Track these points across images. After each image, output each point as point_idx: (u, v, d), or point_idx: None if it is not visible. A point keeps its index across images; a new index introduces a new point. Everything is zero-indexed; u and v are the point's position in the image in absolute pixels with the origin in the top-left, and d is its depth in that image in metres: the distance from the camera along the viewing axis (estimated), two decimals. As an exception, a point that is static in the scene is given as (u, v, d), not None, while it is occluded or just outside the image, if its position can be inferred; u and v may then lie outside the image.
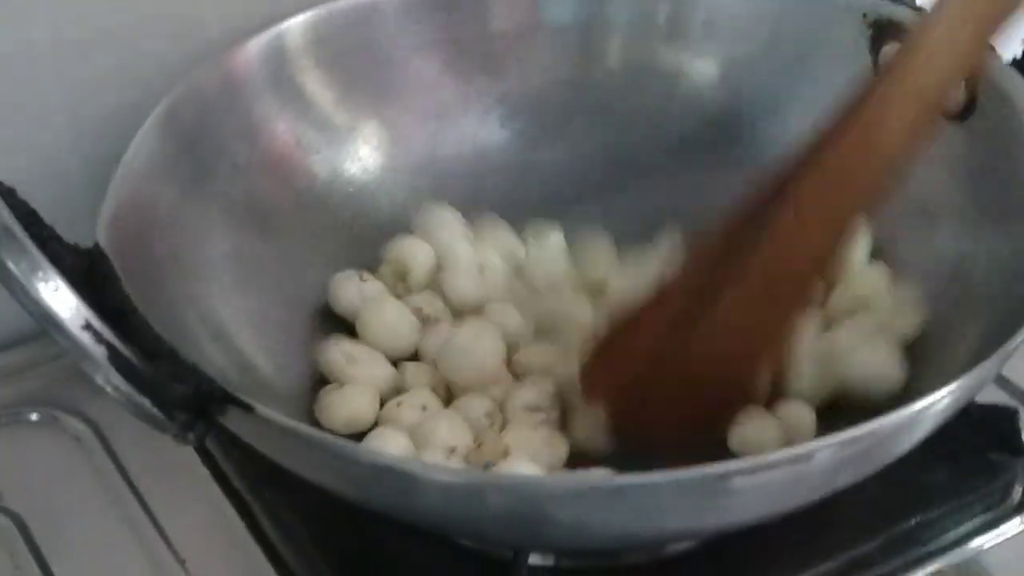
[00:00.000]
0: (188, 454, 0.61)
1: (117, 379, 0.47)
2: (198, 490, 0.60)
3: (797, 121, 0.66)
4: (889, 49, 0.64)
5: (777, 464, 0.47)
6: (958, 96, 0.61)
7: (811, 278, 0.58)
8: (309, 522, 0.58)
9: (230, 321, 0.58)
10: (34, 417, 0.63)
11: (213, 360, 0.55)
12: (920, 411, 0.49)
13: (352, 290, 0.62)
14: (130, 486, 0.60)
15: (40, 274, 0.46)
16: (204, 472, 0.61)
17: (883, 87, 0.55)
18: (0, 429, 0.63)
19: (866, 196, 0.56)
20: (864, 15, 0.64)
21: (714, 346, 0.57)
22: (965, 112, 0.62)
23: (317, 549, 0.57)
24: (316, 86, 0.65)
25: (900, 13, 0.63)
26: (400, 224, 0.66)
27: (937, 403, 0.49)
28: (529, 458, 0.55)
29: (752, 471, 0.47)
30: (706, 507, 0.49)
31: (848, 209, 0.56)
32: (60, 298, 0.47)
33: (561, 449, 0.57)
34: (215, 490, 0.60)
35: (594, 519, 0.48)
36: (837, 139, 0.56)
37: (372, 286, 0.63)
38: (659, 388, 0.58)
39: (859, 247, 0.63)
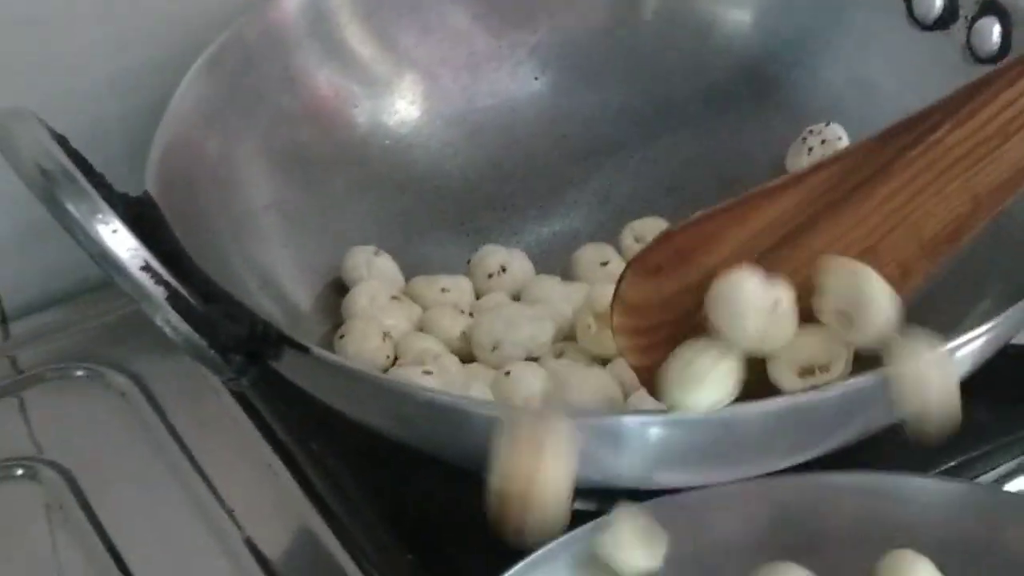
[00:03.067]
0: (232, 407, 0.62)
1: (176, 319, 0.48)
2: (243, 442, 0.60)
3: (831, 71, 0.67)
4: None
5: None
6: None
7: (926, 248, 0.50)
8: (354, 471, 0.58)
9: (275, 268, 0.59)
10: (80, 373, 0.63)
11: (261, 305, 0.55)
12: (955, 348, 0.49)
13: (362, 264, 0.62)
14: (176, 439, 0.60)
15: (100, 216, 0.47)
16: (248, 424, 0.61)
17: None
18: (46, 385, 0.63)
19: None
20: (897, -43, 0.65)
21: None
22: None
23: (363, 497, 0.58)
24: (354, 39, 0.65)
25: (934, -43, 0.64)
26: (436, 174, 0.66)
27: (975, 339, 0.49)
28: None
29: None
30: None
31: (998, 186, 0.49)
32: (119, 239, 0.47)
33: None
34: (260, 441, 0.60)
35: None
36: (1004, 94, 0.48)
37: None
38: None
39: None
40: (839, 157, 0.50)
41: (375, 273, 0.61)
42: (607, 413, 0.52)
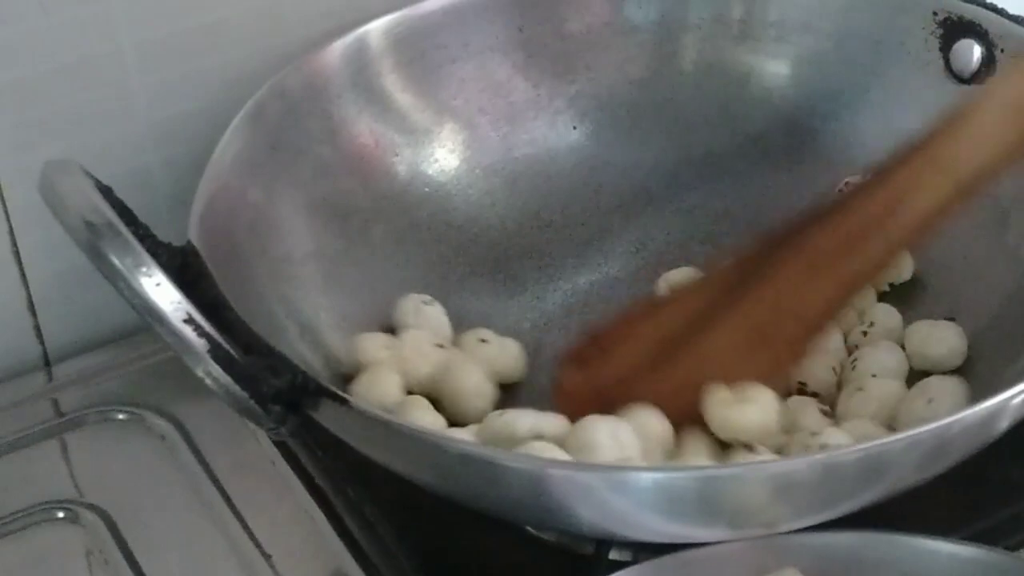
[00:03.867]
0: (271, 452, 0.62)
1: (217, 371, 0.48)
2: (281, 487, 0.61)
3: (866, 121, 0.67)
4: (960, 47, 0.64)
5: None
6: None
7: (808, 327, 0.59)
8: (392, 519, 0.59)
9: (315, 316, 0.59)
10: (122, 416, 0.64)
11: (301, 354, 0.56)
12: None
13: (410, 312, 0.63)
14: (215, 483, 0.61)
15: (144, 269, 0.48)
16: (287, 470, 0.61)
17: (919, 161, 0.56)
18: (88, 428, 0.64)
19: (880, 263, 0.59)
20: (934, 13, 0.65)
21: (696, 372, 0.57)
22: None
23: (400, 545, 0.58)
24: (395, 88, 0.66)
25: (970, 11, 0.64)
26: (474, 223, 0.67)
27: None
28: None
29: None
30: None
31: (860, 273, 0.58)
32: (162, 292, 0.48)
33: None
34: (298, 487, 0.61)
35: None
36: (862, 202, 0.57)
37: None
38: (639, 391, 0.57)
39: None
40: (730, 266, 0.60)
41: (421, 321, 0.62)
42: (639, 467, 0.53)
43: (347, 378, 0.59)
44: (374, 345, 0.60)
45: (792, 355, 0.59)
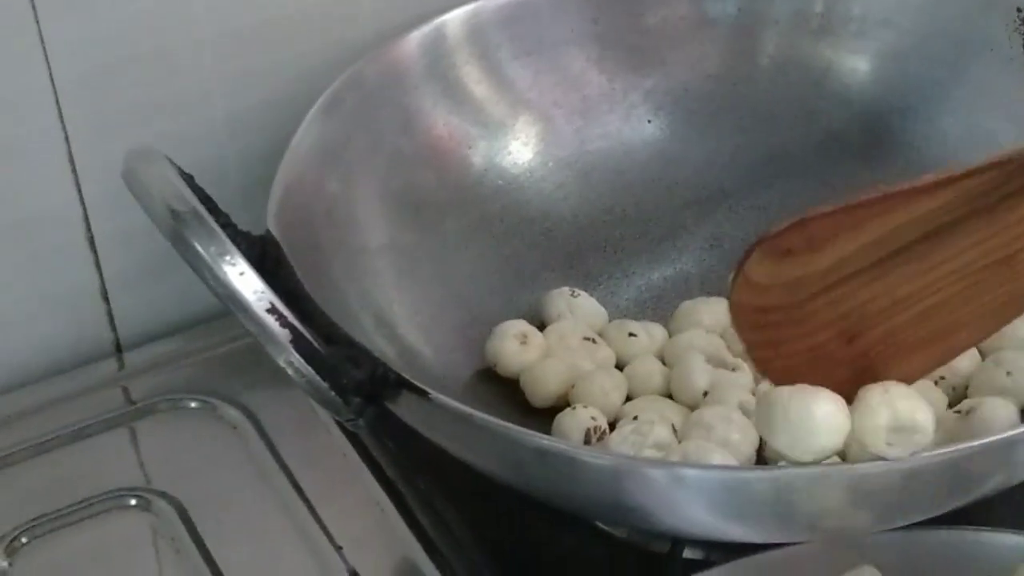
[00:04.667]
0: (341, 443, 0.62)
1: (299, 362, 0.48)
2: (352, 478, 0.61)
3: (948, 120, 0.67)
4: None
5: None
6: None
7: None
8: (463, 511, 0.59)
9: (391, 309, 0.59)
10: (193, 405, 0.64)
11: (377, 345, 0.56)
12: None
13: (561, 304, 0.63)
14: (286, 473, 0.61)
15: (228, 258, 0.48)
16: (357, 460, 0.61)
17: None
18: (160, 416, 0.64)
19: None
20: (1018, 10, 0.64)
21: (918, 300, 0.49)
22: None
23: (471, 538, 0.58)
24: (470, 80, 0.66)
25: (1056, 8, 0.63)
26: (547, 216, 0.67)
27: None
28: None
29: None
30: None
31: None
32: (246, 281, 0.48)
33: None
34: (369, 478, 0.61)
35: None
36: None
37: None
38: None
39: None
40: (991, 164, 0.48)
41: (577, 313, 0.63)
42: (727, 468, 0.52)
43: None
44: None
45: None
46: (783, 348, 0.51)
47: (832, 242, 0.49)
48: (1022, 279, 0.49)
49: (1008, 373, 0.57)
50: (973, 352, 0.58)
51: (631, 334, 0.62)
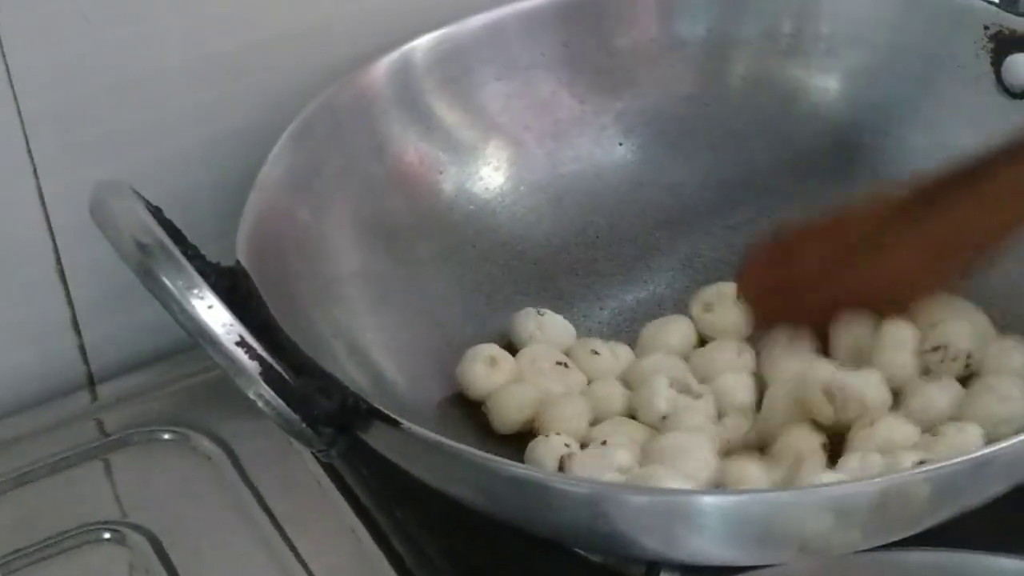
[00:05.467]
0: (317, 472, 0.62)
1: (269, 394, 0.48)
2: (327, 508, 0.60)
3: (917, 137, 0.67)
4: (1012, 61, 0.64)
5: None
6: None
7: (983, 250, 0.60)
8: (439, 538, 0.58)
9: (363, 336, 0.59)
10: (167, 436, 0.64)
11: (349, 374, 0.56)
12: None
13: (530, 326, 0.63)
14: (260, 504, 0.60)
15: (196, 291, 0.48)
16: (332, 489, 0.61)
17: None
18: (134, 448, 0.64)
19: None
20: (985, 28, 0.64)
21: (878, 274, 0.60)
22: None
23: (448, 565, 0.57)
24: (440, 105, 0.66)
25: (1022, 25, 0.63)
26: (520, 240, 0.66)
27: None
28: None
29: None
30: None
31: None
32: (214, 314, 0.48)
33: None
34: (344, 508, 0.60)
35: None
36: None
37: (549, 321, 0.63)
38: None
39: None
40: (907, 192, 0.61)
41: (547, 331, 0.63)
42: (695, 491, 0.52)
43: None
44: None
45: (966, 271, 0.61)
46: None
47: (802, 245, 0.62)
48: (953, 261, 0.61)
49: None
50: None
51: (594, 351, 0.62)
